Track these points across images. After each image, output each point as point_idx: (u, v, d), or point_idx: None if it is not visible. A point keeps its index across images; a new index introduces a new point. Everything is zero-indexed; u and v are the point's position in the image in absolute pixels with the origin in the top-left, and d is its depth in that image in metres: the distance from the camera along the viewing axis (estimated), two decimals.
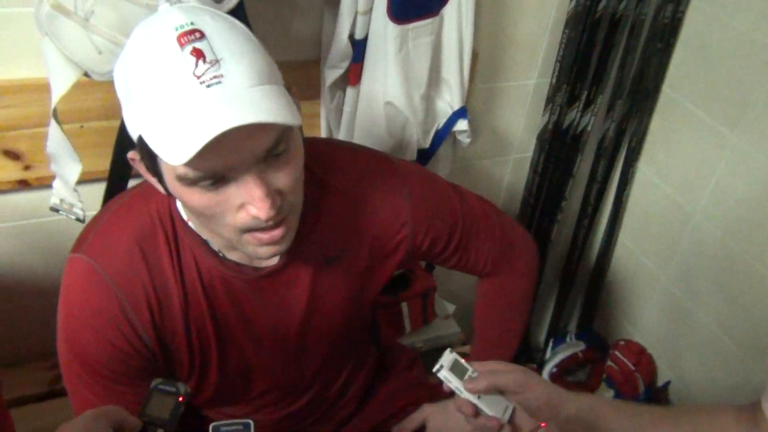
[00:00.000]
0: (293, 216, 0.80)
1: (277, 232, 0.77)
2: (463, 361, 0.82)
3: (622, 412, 0.81)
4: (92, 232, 0.87)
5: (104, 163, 1.18)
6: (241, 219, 0.74)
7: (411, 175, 0.98)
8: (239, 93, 0.67)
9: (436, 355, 1.64)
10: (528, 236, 1.16)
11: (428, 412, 1.16)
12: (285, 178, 0.75)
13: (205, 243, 0.87)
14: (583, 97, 1.61)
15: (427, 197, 0.98)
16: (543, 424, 0.76)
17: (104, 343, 0.85)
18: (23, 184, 1.26)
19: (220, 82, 0.66)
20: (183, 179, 0.71)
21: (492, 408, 0.81)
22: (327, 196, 0.92)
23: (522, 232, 1.15)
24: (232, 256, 0.88)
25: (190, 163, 0.66)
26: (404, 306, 1.61)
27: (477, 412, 0.81)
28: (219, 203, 0.73)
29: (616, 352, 1.84)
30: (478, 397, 0.80)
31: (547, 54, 1.58)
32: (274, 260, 0.89)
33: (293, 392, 1.06)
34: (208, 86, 0.66)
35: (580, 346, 1.90)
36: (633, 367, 1.79)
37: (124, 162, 1.17)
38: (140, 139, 0.71)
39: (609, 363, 1.85)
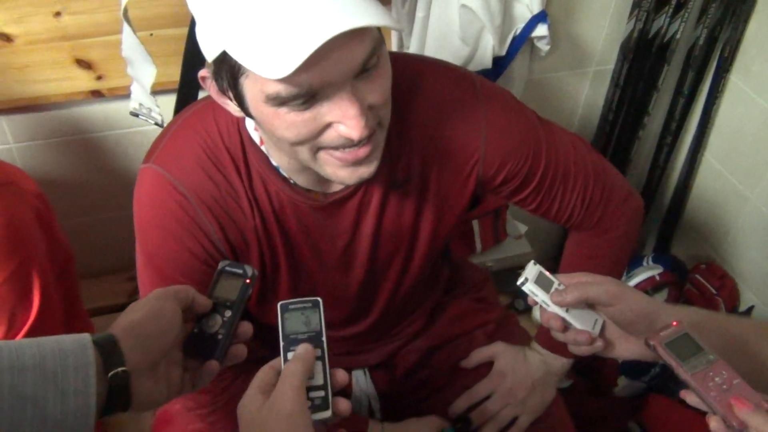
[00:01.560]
0: (381, 132, 0.76)
1: (362, 151, 0.73)
2: (548, 273, 0.77)
3: (724, 325, 0.75)
4: (162, 142, 0.86)
5: (175, 73, 1.16)
6: (329, 137, 0.71)
7: (493, 105, 0.89)
8: None
9: (507, 276, 1.64)
10: (634, 195, 1.05)
11: (498, 350, 1.14)
12: (377, 92, 0.70)
13: (273, 167, 0.84)
14: (674, 0, 1.48)
15: (506, 130, 0.90)
16: (675, 323, 0.71)
17: (179, 248, 0.85)
18: (96, 95, 1.26)
19: None
20: (274, 99, 0.67)
21: (581, 322, 0.76)
22: (404, 116, 0.86)
23: (627, 189, 1.04)
24: (302, 180, 0.85)
25: (287, 78, 0.62)
26: (475, 224, 1.57)
27: (565, 327, 0.77)
28: (308, 123, 0.69)
29: (697, 276, 1.76)
30: (566, 311, 0.76)
31: None
32: (343, 185, 0.86)
33: (361, 313, 1.05)
34: None
35: (658, 269, 1.82)
36: (714, 291, 1.71)
37: (195, 71, 1.16)
38: (221, 57, 0.67)
39: (688, 286, 1.78)
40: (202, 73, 0.75)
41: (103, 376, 0.58)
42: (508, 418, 1.09)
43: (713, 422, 0.65)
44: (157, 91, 1.19)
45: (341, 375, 0.67)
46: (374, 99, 0.70)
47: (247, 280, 0.71)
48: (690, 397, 0.68)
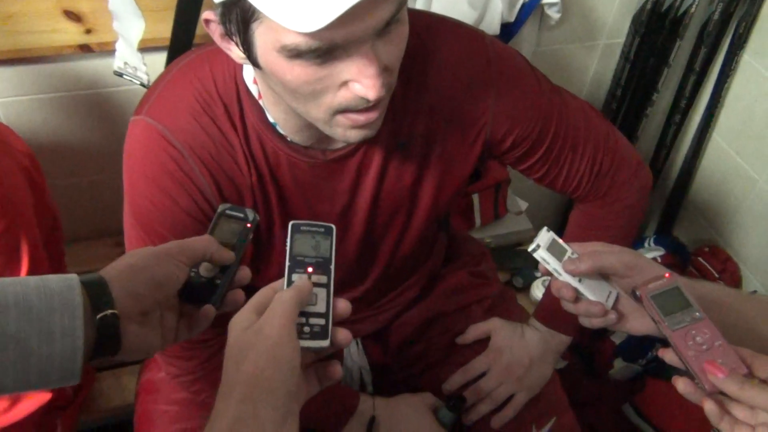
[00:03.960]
0: (388, 96, 0.72)
1: (373, 114, 0.69)
2: (561, 240, 0.73)
3: (741, 299, 0.71)
4: (154, 93, 0.82)
5: (165, 30, 1.10)
6: (342, 97, 0.67)
7: (504, 66, 0.85)
8: None
9: (505, 253, 1.60)
10: (644, 166, 1.01)
11: (495, 326, 1.10)
12: (393, 52, 0.67)
13: (270, 123, 0.80)
14: None
15: (517, 92, 0.86)
16: (668, 275, 0.67)
17: (170, 204, 0.81)
18: (85, 49, 1.20)
19: None
20: (290, 50, 0.62)
21: (594, 293, 0.72)
22: (410, 75, 0.82)
23: (636, 158, 1.00)
24: (300, 138, 0.81)
25: (312, 32, 0.58)
26: (475, 198, 1.53)
27: (577, 297, 0.73)
28: (321, 79, 0.65)
29: (700, 258, 1.72)
30: (579, 281, 0.72)
31: None
32: (343, 144, 0.82)
33: (356, 278, 1.01)
34: None
35: (659, 251, 1.78)
36: (717, 275, 1.68)
37: (187, 28, 1.11)
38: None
39: (690, 269, 1.74)
40: (207, 15, 0.69)
41: (91, 318, 0.55)
42: (504, 395, 1.05)
43: (680, 384, 0.62)
44: (144, 48, 1.13)
45: (343, 305, 0.63)
46: (390, 60, 0.67)
47: (248, 224, 0.68)
48: (668, 355, 0.65)
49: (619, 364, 1.70)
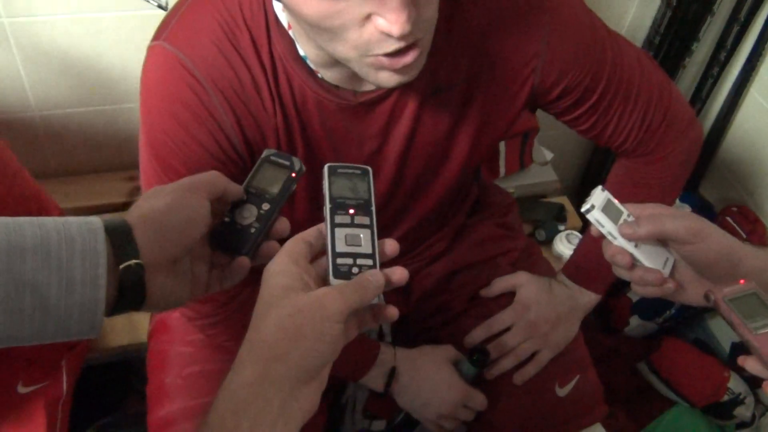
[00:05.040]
0: (428, 36, 0.65)
1: (407, 58, 0.62)
2: (616, 201, 0.68)
3: None
4: (175, 17, 0.75)
5: None
6: (367, 35, 0.59)
7: (558, 7, 0.78)
8: None
9: (528, 204, 1.54)
10: (696, 121, 0.95)
11: (522, 280, 1.06)
12: None
13: (300, 57, 0.73)
14: None
15: (571, 38, 0.79)
16: (743, 281, 0.62)
17: (189, 140, 0.75)
18: None
19: None
20: None
21: (651, 259, 0.67)
22: (453, 13, 0.74)
23: (689, 113, 0.93)
24: (330, 76, 0.74)
25: None
26: (501, 146, 1.47)
27: (633, 263, 0.68)
28: (340, 12, 0.58)
29: (728, 218, 1.67)
30: (635, 245, 0.66)
31: None
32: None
33: (384, 227, 0.96)
34: None
35: (685, 209, 1.73)
36: (745, 236, 1.62)
37: None
38: None
39: None
40: None
41: (113, 267, 0.50)
42: (528, 352, 1.02)
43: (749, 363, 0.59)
44: None
45: (391, 246, 0.58)
46: None
47: (293, 174, 0.63)
48: (750, 363, 0.60)
49: (635, 321, 1.68)
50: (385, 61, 0.62)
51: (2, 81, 1.27)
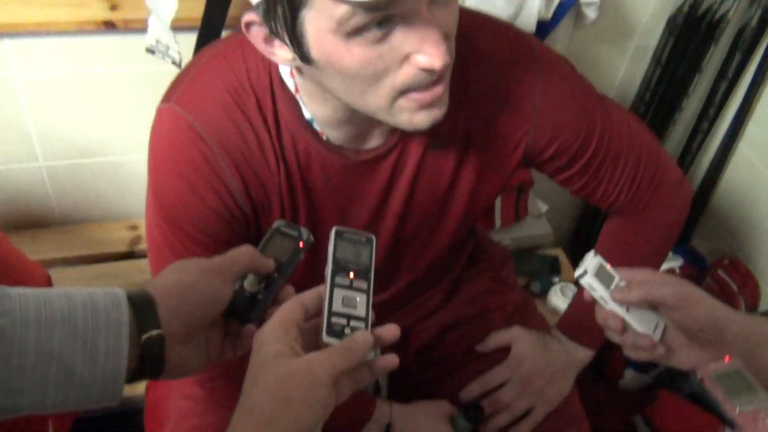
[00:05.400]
0: (449, 71, 0.68)
1: (438, 89, 0.66)
2: (609, 266, 0.70)
3: None
4: (184, 81, 0.78)
5: (197, 9, 1.06)
6: (405, 75, 0.63)
7: (550, 73, 0.82)
8: None
9: (523, 255, 1.56)
10: (685, 181, 0.98)
11: (517, 335, 1.07)
12: (450, 18, 0.64)
13: (305, 119, 0.76)
14: None
15: (562, 101, 0.82)
16: (727, 358, 0.64)
17: (196, 200, 0.77)
18: (109, 26, 1.16)
19: None
20: (345, 23, 0.59)
21: (642, 323, 0.69)
22: (452, 75, 0.78)
23: (678, 174, 0.97)
24: (336, 136, 0.77)
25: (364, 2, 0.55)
26: (497, 198, 1.49)
27: (624, 328, 0.70)
28: (382, 56, 0.62)
29: (720, 271, 1.69)
30: (626, 310, 0.69)
31: None
32: (378, 143, 0.79)
33: (380, 284, 0.97)
34: None
35: (678, 261, 1.75)
36: (736, 289, 1.64)
37: (219, 8, 1.07)
38: None
39: (708, 281, 1.71)
40: (247, 18, 0.66)
41: (135, 337, 0.52)
42: (523, 408, 1.02)
43: None
44: (175, 27, 1.10)
45: (391, 331, 0.60)
46: (448, 27, 0.64)
47: (301, 243, 0.66)
48: None
49: (629, 374, 1.68)
50: (417, 96, 0.66)
51: (10, 132, 1.30)
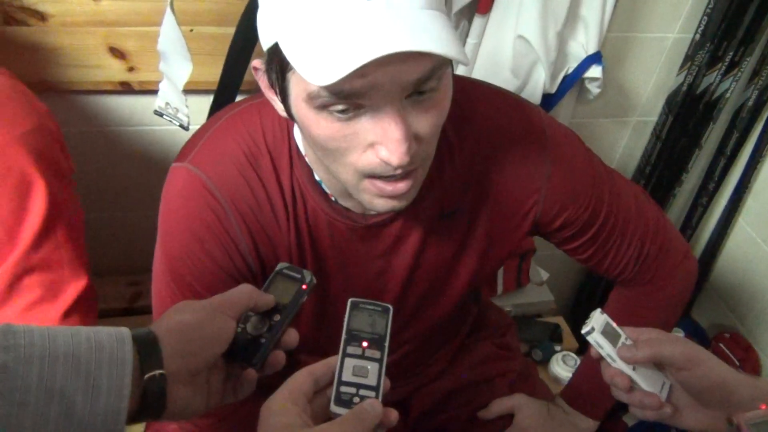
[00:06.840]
0: (422, 170, 0.69)
1: (402, 185, 0.66)
2: (615, 324, 0.70)
3: None
4: (200, 141, 0.79)
5: (213, 73, 1.10)
6: (367, 160, 0.64)
7: (559, 145, 0.84)
8: (405, 13, 0.56)
9: (525, 323, 1.56)
10: (690, 254, 0.99)
11: (520, 403, 1.06)
12: (427, 122, 0.63)
13: (316, 182, 0.78)
14: (728, 58, 1.44)
15: (571, 174, 0.84)
16: (764, 406, 0.63)
17: (205, 257, 0.78)
18: (125, 87, 1.20)
19: None
20: (314, 99, 0.60)
21: (648, 383, 0.69)
22: (457, 145, 0.80)
23: (684, 247, 0.98)
24: (343, 200, 0.79)
25: (330, 85, 0.56)
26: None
27: (631, 387, 0.70)
28: (347, 137, 0.63)
29: (721, 345, 1.69)
30: (633, 368, 0.69)
31: (694, 6, 1.41)
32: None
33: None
34: None
35: (678, 333, 1.75)
36: (738, 363, 1.64)
37: (236, 73, 1.10)
38: (274, 47, 0.62)
39: None
40: (256, 63, 0.69)
41: (138, 377, 0.52)
42: None
43: None
44: (187, 90, 1.13)
45: (389, 383, 0.60)
46: (423, 129, 0.64)
47: (304, 286, 0.66)
48: None
49: None
50: (380, 184, 0.66)
51: None
